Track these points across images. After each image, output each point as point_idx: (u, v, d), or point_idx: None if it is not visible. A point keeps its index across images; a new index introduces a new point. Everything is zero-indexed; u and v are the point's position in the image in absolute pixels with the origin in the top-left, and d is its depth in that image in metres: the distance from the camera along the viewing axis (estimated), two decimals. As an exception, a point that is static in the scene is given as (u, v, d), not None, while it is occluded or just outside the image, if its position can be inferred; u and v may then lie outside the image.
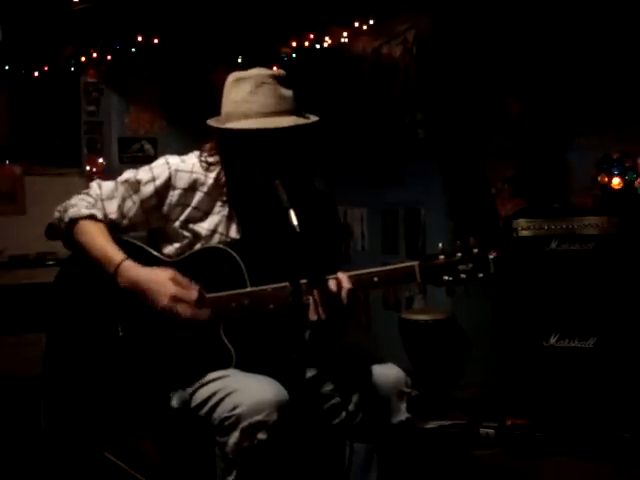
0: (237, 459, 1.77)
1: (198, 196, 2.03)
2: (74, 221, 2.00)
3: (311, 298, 1.82)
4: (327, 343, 1.97)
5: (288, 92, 1.94)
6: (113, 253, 1.95)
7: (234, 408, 1.76)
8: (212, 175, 2.04)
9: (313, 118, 1.98)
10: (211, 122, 1.98)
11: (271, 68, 2.02)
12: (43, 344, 2.04)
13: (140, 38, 4.83)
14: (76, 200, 2.05)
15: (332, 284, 1.84)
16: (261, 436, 1.75)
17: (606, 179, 3.34)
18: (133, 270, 1.93)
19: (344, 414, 1.95)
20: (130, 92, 5.42)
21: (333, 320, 1.85)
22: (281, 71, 1.97)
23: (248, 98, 1.90)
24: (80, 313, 2.01)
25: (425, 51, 4.29)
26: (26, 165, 5.15)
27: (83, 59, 5.04)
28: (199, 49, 5.10)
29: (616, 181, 3.32)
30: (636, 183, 3.30)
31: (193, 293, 1.89)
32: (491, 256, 1.82)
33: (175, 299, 1.88)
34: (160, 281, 1.90)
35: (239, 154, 1.94)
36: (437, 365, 3.80)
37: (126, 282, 1.93)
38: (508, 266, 3.23)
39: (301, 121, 1.94)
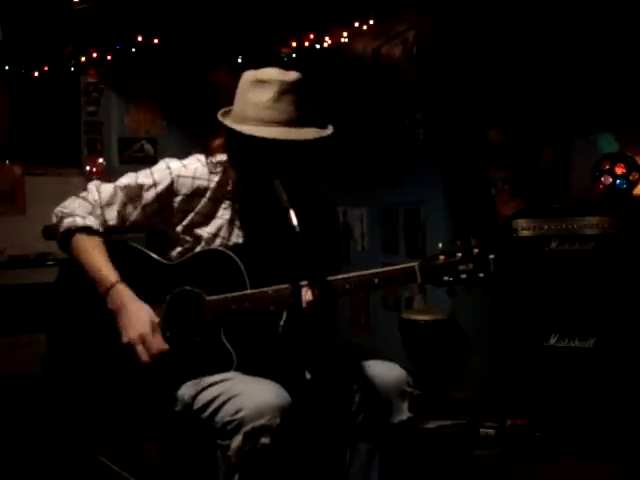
0: (239, 463, 1.76)
1: (202, 202, 2.01)
2: (70, 232, 1.97)
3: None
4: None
5: (308, 100, 1.92)
6: (107, 274, 1.93)
7: (237, 412, 1.76)
8: (215, 178, 2.02)
9: (329, 127, 1.96)
10: (227, 122, 1.93)
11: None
12: (43, 344, 2.03)
13: (140, 38, 4.82)
14: (73, 206, 2.00)
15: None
16: (264, 440, 1.74)
17: (610, 179, 3.34)
18: (124, 295, 1.91)
19: (346, 414, 1.95)
20: (130, 92, 5.42)
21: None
22: (299, 74, 1.93)
23: (270, 105, 1.87)
24: (80, 314, 2.01)
25: (425, 51, 4.29)
26: (26, 165, 5.15)
27: (83, 59, 5.04)
28: (199, 49, 5.10)
29: (618, 181, 3.32)
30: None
31: (160, 345, 1.88)
32: (491, 256, 1.81)
33: (141, 339, 1.86)
34: (141, 317, 1.89)
35: (250, 156, 1.92)
36: (437, 365, 3.80)
37: (113, 305, 1.91)
38: (508, 266, 3.23)
39: (323, 133, 1.92)
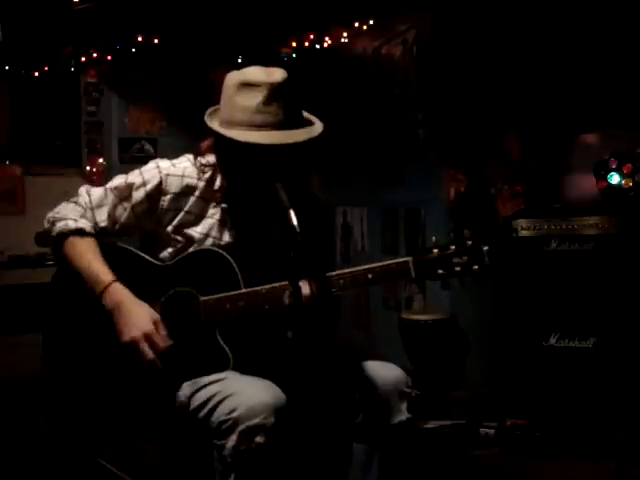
0: (235, 462, 1.76)
1: (191, 200, 2.01)
2: (62, 236, 1.98)
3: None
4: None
5: (295, 100, 1.90)
6: (102, 274, 1.93)
7: (231, 411, 1.76)
8: (205, 178, 2.01)
9: (318, 123, 1.96)
10: (216, 127, 1.91)
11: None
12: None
13: (140, 38, 4.83)
14: (65, 211, 2.01)
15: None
16: (259, 439, 1.74)
17: (617, 178, 3.34)
18: (121, 293, 1.91)
19: (345, 414, 1.95)
20: (130, 92, 5.43)
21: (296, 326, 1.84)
22: (284, 73, 1.91)
23: (261, 109, 1.84)
24: (76, 314, 2.00)
25: (425, 51, 4.29)
26: (26, 165, 5.15)
27: (83, 59, 5.05)
28: (199, 49, 5.11)
29: (624, 181, 3.32)
30: None
31: (166, 341, 1.88)
32: (485, 248, 1.81)
33: (145, 336, 1.86)
34: (141, 314, 1.89)
35: (238, 159, 1.91)
36: (437, 365, 3.80)
37: (110, 303, 1.90)
38: (508, 266, 3.23)
39: (314, 133, 1.91)
